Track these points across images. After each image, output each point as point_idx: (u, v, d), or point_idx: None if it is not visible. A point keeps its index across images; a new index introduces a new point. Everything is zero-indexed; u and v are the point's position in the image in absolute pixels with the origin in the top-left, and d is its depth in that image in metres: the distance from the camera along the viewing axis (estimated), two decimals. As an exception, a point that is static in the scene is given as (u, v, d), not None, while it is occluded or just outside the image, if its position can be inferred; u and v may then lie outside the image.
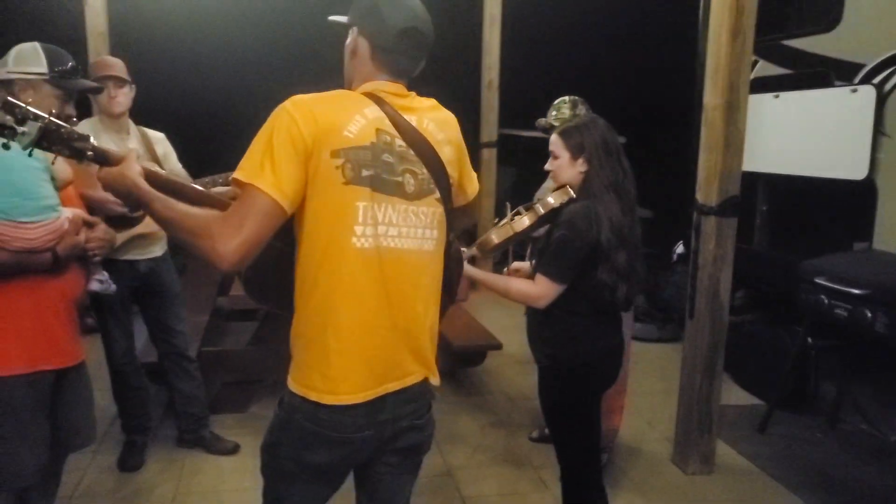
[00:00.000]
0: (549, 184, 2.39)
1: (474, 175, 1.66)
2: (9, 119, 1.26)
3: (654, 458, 3.36)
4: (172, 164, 3.03)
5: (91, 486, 2.94)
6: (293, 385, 1.45)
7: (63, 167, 1.99)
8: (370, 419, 1.45)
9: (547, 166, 2.19)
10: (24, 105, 1.28)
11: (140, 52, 5.51)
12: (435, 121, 1.51)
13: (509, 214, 2.26)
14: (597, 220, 2.01)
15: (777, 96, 4.21)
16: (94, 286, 2.14)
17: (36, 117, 1.29)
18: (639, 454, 3.39)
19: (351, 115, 1.38)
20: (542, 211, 2.13)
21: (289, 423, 1.46)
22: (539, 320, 2.20)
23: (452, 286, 1.68)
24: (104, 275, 2.18)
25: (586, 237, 2.01)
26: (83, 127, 2.84)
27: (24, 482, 1.93)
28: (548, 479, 3.06)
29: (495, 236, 2.21)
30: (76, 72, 1.96)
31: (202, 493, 2.91)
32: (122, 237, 2.71)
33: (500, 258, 2.40)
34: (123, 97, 2.86)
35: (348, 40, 1.50)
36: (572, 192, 2.11)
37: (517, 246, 2.64)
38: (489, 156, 6.37)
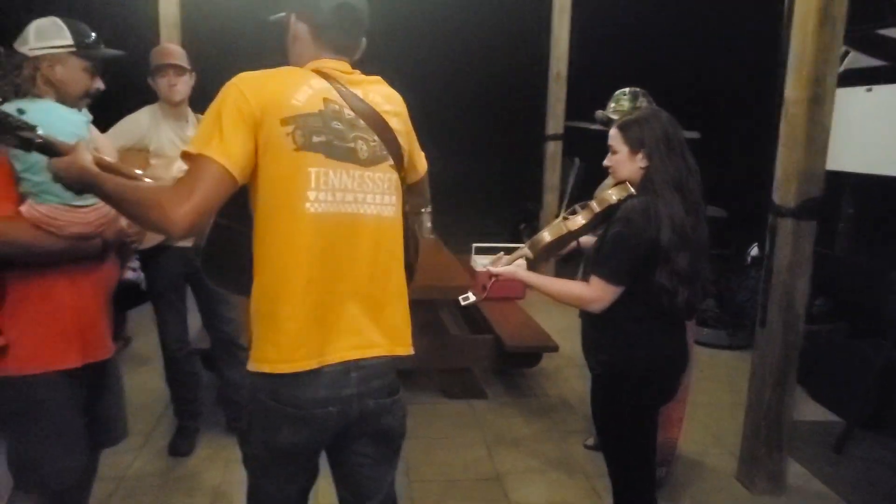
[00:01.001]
0: (609, 180, 2.24)
1: (422, 154, 1.69)
2: None
3: (718, 474, 3.15)
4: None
5: (142, 469, 2.98)
6: (251, 364, 1.43)
7: (108, 148, 1.97)
8: (332, 392, 1.42)
9: (606, 162, 2.05)
10: None
11: (211, 42, 5.60)
12: (380, 94, 1.54)
13: (563, 210, 2.14)
14: (656, 218, 1.86)
15: (870, 90, 3.89)
16: (130, 275, 2.11)
17: None
18: (701, 469, 3.19)
19: (298, 85, 1.41)
20: (597, 208, 1.99)
21: (252, 406, 1.47)
22: (593, 325, 2.06)
23: (410, 263, 1.65)
24: (137, 263, 2.16)
25: (643, 235, 1.86)
26: (144, 113, 2.91)
27: (62, 484, 1.87)
28: (601, 490, 2.92)
29: (548, 234, 2.08)
30: (99, 42, 1.90)
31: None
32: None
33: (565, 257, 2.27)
34: (183, 85, 2.87)
35: (289, 30, 1.54)
36: (632, 189, 1.96)
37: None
38: (555, 149, 6.18)
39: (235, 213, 1.45)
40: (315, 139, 1.38)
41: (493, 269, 2.10)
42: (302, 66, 1.50)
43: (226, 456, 3.11)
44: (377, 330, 1.48)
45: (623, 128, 1.99)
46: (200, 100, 3.06)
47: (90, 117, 1.88)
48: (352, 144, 1.43)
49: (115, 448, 2.16)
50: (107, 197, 1.42)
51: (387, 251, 1.49)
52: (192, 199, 1.27)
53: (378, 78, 1.58)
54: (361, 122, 1.46)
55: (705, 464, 3.24)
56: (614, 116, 2.93)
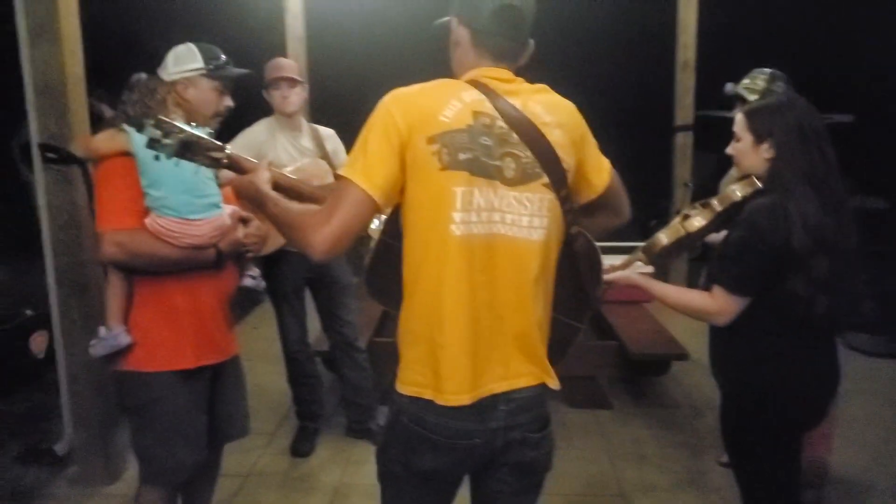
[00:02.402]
0: (734, 172, 2.02)
1: (605, 164, 1.51)
2: (158, 133, 1.43)
3: (880, 499, 2.78)
4: (342, 159, 3.08)
5: (265, 468, 3.09)
6: (399, 385, 1.42)
7: None
8: (479, 425, 1.38)
9: (728, 149, 1.84)
10: (170, 121, 1.45)
11: (336, 54, 5.77)
12: (542, 103, 1.42)
13: (683, 206, 1.94)
14: (786, 219, 1.63)
15: None
16: (247, 282, 2.22)
17: (180, 131, 1.44)
18: (860, 494, 2.83)
19: (448, 100, 1.36)
20: (719, 207, 1.78)
21: (395, 425, 1.44)
22: (720, 338, 1.87)
23: (586, 286, 1.51)
24: (256, 271, 2.26)
25: (771, 239, 1.64)
26: (260, 126, 3.01)
27: (179, 478, 2.00)
28: (737, 513, 2.66)
29: (665, 237, 1.89)
30: (229, 63, 2.03)
31: (365, 486, 2.92)
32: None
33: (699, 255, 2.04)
34: (296, 97, 2.94)
35: (451, 34, 1.48)
36: (759, 184, 1.74)
37: None
38: (684, 140, 5.79)
39: (399, 232, 1.43)
40: (461, 157, 1.32)
41: (606, 277, 1.94)
42: (462, 74, 1.46)
43: (345, 458, 3.16)
44: (525, 359, 1.41)
45: (750, 114, 1.77)
46: (321, 110, 3.14)
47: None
48: (498, 162, 1.35)
49: (242, 447, 2.26)
50: (269, 216, 1.46)
51: (532, 278, 1.39)
52: (330, 224, 1.29)
53: (543, 86, 1.47)
54: (515, 135, 1.37)
55: (864, 487, 2.87)
56: (744, 92, 2.73)
